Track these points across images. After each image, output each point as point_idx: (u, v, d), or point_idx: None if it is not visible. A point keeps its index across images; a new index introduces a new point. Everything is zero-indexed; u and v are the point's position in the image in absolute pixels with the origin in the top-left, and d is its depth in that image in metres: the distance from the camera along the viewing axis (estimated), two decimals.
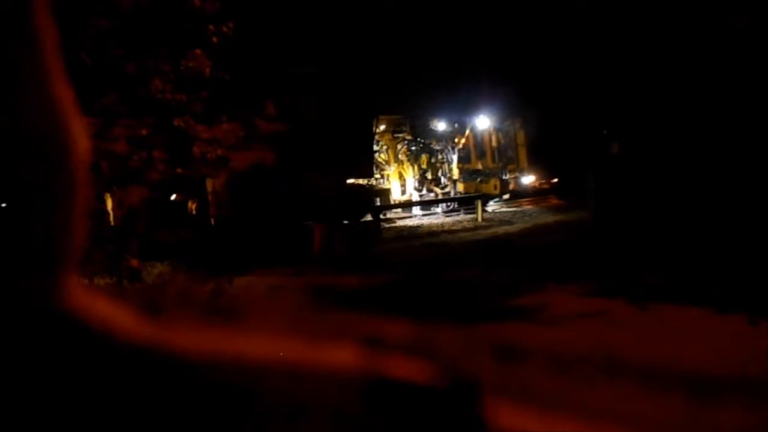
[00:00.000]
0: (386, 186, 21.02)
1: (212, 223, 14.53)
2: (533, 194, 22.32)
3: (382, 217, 19.53)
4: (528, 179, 22.62)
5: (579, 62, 11.51)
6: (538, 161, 22.16)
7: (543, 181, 22.77)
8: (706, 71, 8.95)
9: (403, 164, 21.74)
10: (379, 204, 19.77)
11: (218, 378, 0.90)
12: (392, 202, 20.58)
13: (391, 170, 21.50)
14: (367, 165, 20.08)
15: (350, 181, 19.53)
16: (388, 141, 21.51)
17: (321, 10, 17.44)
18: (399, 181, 21.48)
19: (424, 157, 22.10)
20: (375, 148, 20.84)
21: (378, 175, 20.99)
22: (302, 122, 16.05)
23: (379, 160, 21.22)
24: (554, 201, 20.96)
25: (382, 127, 21.15)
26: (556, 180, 22.21)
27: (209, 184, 14.56)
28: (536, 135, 21.59)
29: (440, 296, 8.89)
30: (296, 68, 16.41)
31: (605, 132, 12.02)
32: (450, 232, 16.67)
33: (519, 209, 20.91)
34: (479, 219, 18.31)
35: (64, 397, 0.84)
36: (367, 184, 20.19)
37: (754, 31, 7.81)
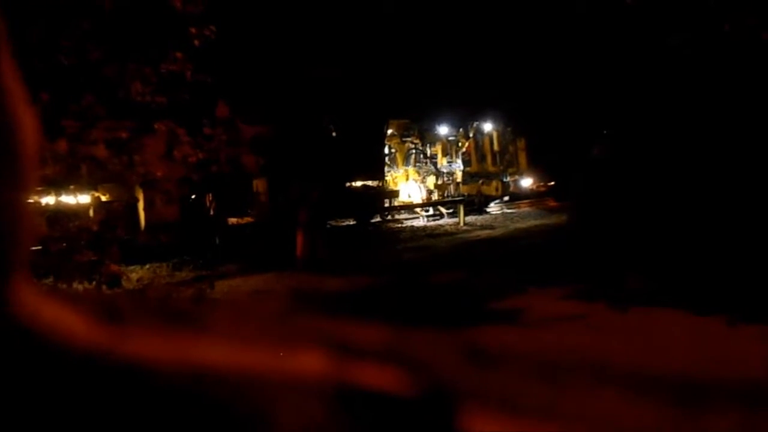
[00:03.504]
0: (394, 188, 21.16)
1: (196, 227, 14.35)
2: (532, 196, 22.38)
3: (389, 218, 19.73)
4: (527, 182, 22.73)
5: (569, 67, 11.50)
6: (537, 164, 22.19)
7: (541, 183, 22.83)
8: (685, 76, 8.95)
9: (410, 167, 21.91)
10: (387, 205, 19.99)
11: (172, 386, 0.78)
12: (398, 204, 20.72)
13: (399, 173, 21.67)
14: (378, 167, 20.22)
15: (359, 183, 19.62)
16: (396, 144, 21.70)
17: (334, 15, 17.49)
18: (406, 182, 21.62)
19: (429, 161, 22.27)
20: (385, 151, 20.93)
21: (388, 177, 21.12)
22: (291, 126, 15.98)
23: (388, 162, 21.34)
24: (551, 203, 20.77)
25: (391, 131, 21.32)
26: (552, 183, 22.39)
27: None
28: (535, 139, 21.80)
29: (419, 301, 8.80)
30: (311, 72, 16.34)
31: (604, 133, 11.99)
32: (434, 236, 16.58)
33: (516, 211, 20.82)
34: (461, 223, 18.28)
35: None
36: (377, 185, 20.24)
37: (747, 39, 7.78)
